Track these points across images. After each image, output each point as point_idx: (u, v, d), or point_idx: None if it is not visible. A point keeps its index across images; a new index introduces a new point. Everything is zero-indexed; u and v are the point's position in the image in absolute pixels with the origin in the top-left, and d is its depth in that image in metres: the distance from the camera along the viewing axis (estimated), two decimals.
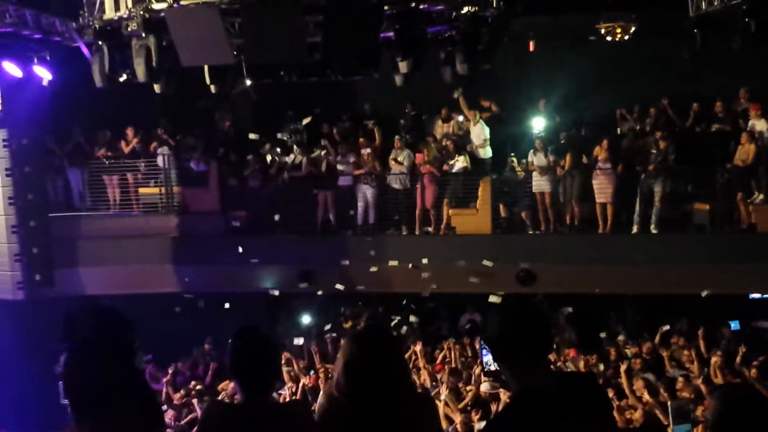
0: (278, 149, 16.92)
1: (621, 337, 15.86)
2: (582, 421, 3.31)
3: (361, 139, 16.54)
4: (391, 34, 11.71)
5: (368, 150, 16.01)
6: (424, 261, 15.24)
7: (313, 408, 4.25)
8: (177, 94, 13.34)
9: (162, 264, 16.12)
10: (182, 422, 12.90)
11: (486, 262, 14.86)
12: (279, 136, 17.03)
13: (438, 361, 14.17)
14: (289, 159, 16.57)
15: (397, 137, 16.06)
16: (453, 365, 14.21)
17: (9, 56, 13.20)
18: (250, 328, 4.29)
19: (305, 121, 15.97)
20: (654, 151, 15.04)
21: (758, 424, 3.38)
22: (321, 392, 12.72)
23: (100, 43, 11.70)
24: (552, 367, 13.00)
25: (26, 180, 14.71)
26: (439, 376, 13.23)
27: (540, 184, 15.42)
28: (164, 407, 13.59)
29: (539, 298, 15.48)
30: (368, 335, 3.96)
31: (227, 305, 16.09)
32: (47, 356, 15.10)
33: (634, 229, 15.14)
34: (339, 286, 15.43)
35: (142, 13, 10.72)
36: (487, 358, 3.65)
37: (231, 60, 10.70)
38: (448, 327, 17.64)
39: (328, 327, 16.70)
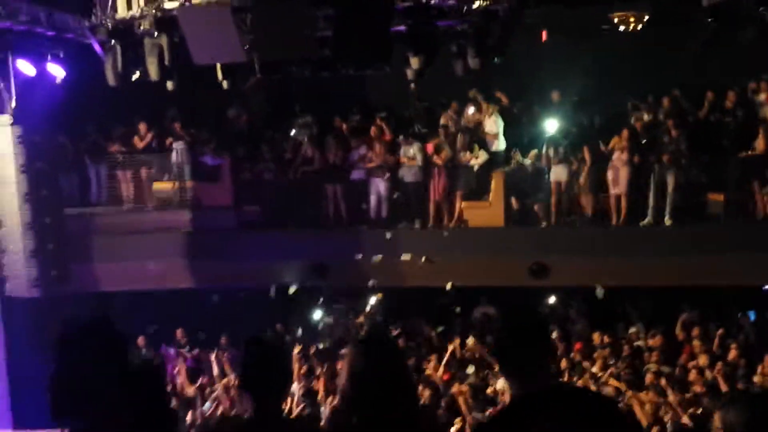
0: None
1: (633, 330, 15.86)
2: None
3: (370, 131, 16.51)
4: (403, 27, 11.69)
5: (380, 143, 16.00)
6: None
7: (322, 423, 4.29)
8: (190, 89, 13.40)
9: (176, 259, 16.17)
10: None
11: None
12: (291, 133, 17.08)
13: (443, 369, 14.14)
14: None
15: (401, 137, 16.03)
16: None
17: (22, 54, 13.24)
18: (260, 339, 4.32)
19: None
20: (666, 141, 14.99)
21: None
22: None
23: (112, 42, 11.74)
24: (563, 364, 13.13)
25: (40, 177, 14.75)
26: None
27: (558, 173, 15.38)
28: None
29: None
30: (372, 344, 3.95)
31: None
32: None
33: (648, 221, 15.08)
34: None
35: (154, 12, 10.75)
36: None
37: (243, 58, 10.71)
38: (461, 322, 17.61)
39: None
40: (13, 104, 13.56)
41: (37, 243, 14.63)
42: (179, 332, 16.39)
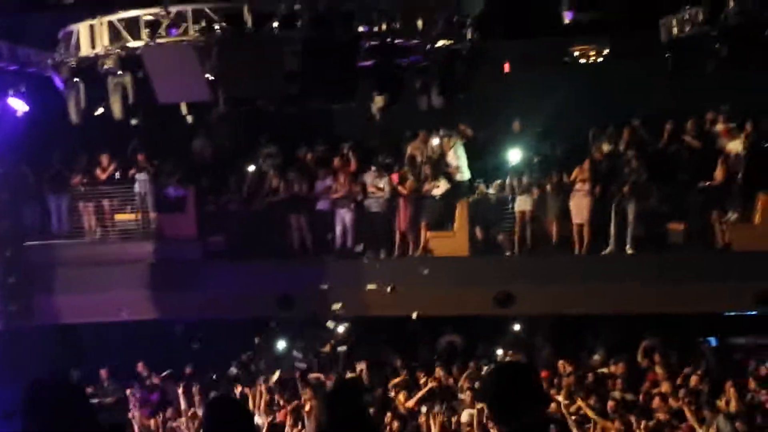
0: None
1: (597, 357, 16.01)
2: None
3: (335, 162, 16.56)
4: (369, 63, 11.78)
5: (345, 173, 16.07)
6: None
7: None
8: (154, 120, 13.37)
9: (140, 290, 16.03)
10: None
11: None
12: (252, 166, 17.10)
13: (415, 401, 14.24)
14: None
15: (374, 168, 16.09)
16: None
17: None
18: (223, 399, 4.37)
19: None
20: (627, 171, 15.19)
21: None
22: None
23: (76, 79, 11.68)
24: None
25: (2, 208, 14.68)
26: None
27: (521, 202, 15.53)
28: None
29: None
30: (338, 396, 4.03)
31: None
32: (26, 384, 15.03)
33: (610, 249, 15.24)
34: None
35: (118, 50, 10.73)
36: None
37: (207, 97, 10.73)
38: (427, 350, 17.69)
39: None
40: None
41: None
42: (140, 365, 16.21)
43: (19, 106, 13.57)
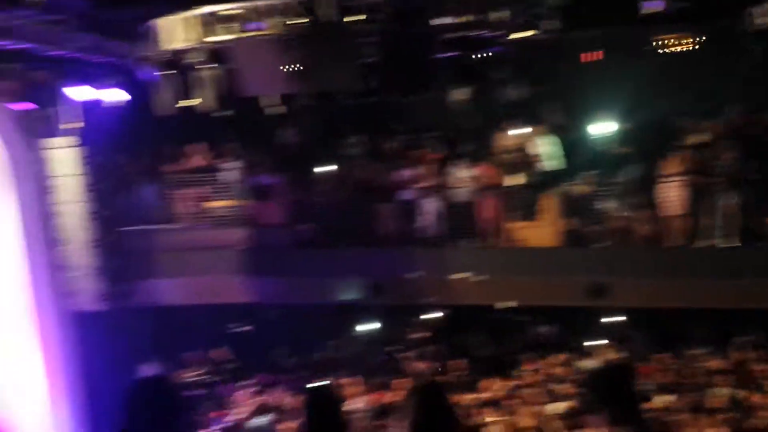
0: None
1: (696, 352, 15.63)
2: None
3: (419, 152, 16.62)
4: (449, 55, 11.78)
5: (429, 163, 16.11)
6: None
7: None
8: (243, 111, 13.71)
9: (232, 275, 16.50)
10: None
11: None
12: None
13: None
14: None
15: (459, 159, 16.07)
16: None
17: (81, 81, 13.73)
18: (318, 387, 4.59)
19: None
20: (720, 163, 14.72)
21: None
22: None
23: (164, 72, 12.07)
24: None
25: (104, 196, 15.38)
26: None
27: (611, 197, 15.24)
28: None
29: None
30: (430, 392, 4.15)
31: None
32: (131, 363, 15.72)
33: (705, 242, 14.81)
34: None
35: (203, 44, 11.04)
36: None
37: (289, 89, 10.95)
38: (517, 340, 17.61)
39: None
40: (78, 126, 14.08)
41: (103, 259, 15.27)
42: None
43: (115, 96, 14.13)
